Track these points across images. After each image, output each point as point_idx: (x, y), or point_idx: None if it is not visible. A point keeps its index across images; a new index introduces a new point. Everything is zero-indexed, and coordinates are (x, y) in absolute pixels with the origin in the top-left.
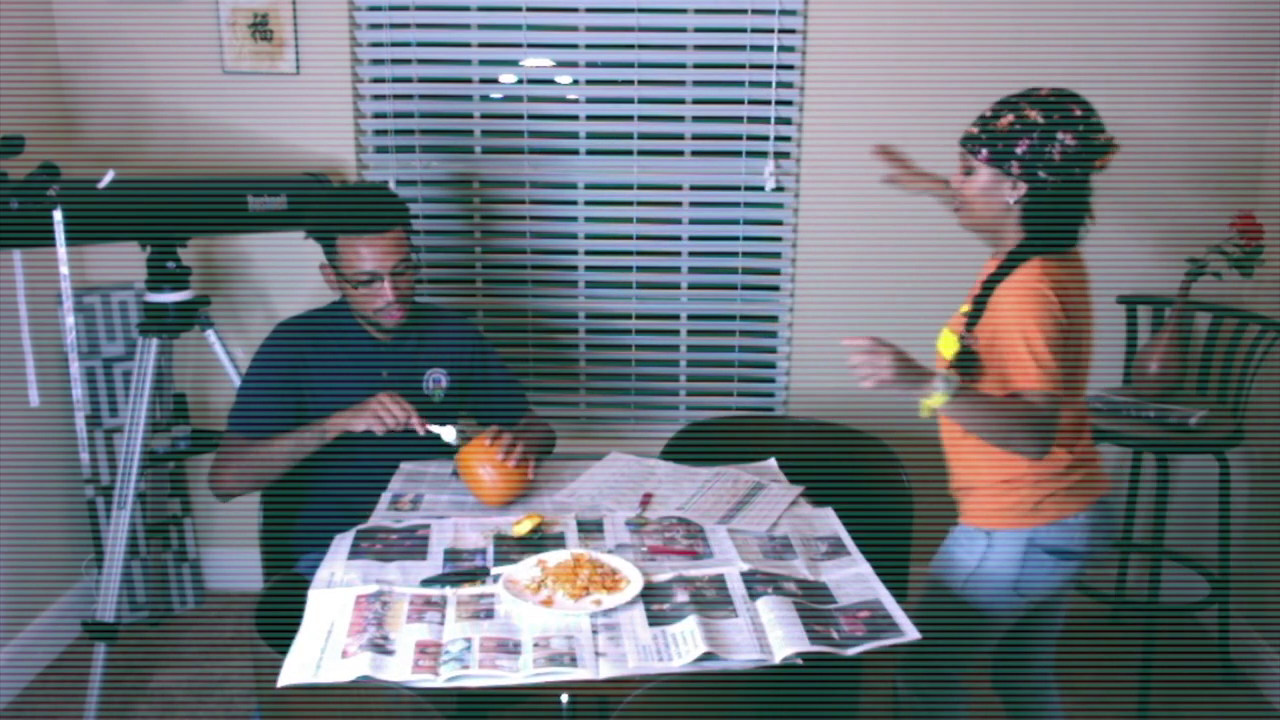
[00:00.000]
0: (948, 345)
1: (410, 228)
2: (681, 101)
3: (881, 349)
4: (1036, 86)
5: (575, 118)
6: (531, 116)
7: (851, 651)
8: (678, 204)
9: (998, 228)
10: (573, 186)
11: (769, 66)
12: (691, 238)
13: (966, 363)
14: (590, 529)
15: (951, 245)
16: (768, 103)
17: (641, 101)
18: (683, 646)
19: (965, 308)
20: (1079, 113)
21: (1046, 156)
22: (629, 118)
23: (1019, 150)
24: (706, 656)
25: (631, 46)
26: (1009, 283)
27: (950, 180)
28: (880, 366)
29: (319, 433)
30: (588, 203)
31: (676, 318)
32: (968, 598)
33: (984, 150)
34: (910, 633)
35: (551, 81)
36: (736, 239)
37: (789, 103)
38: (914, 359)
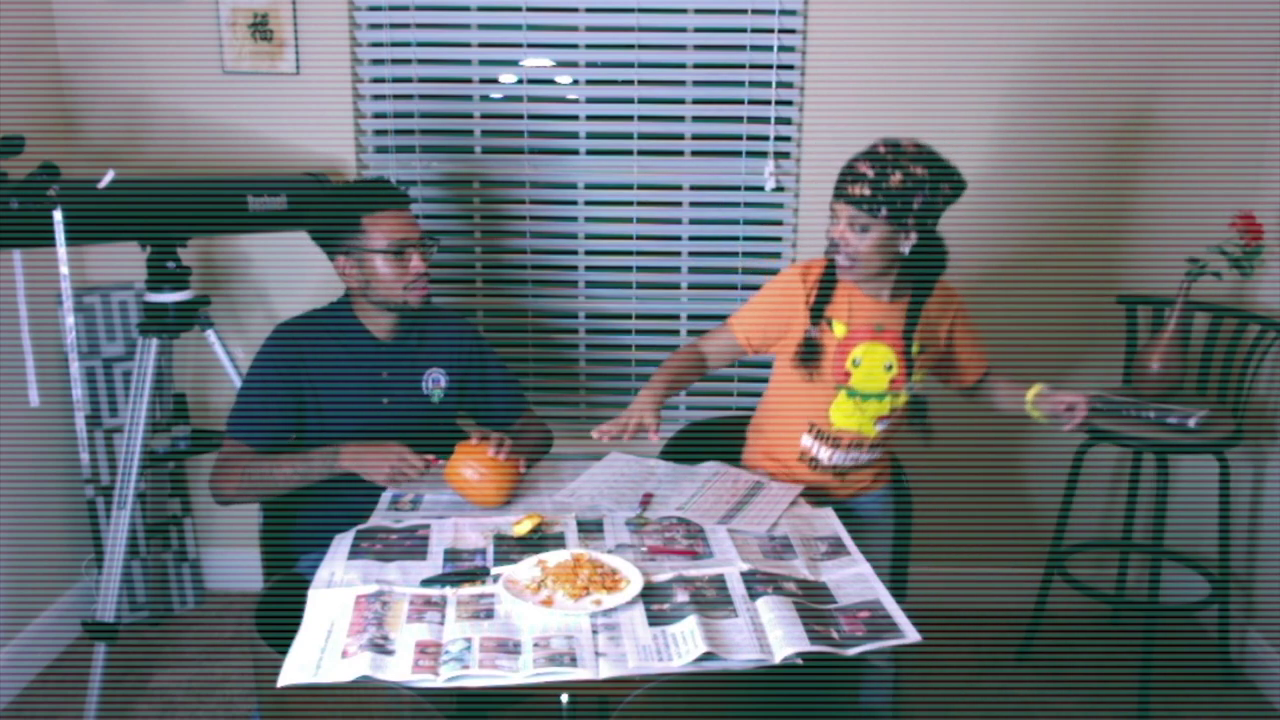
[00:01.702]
0: (918, 381)
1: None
2: (681, 101)
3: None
4: (893, 139)
5: (575, 118)
6: (531, 116)
7: (852, 651)
8: (678, 204)
9: (886, 272)
10: (573, 186)
11: (769, 66)
12: (691, 238)
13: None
14: (590, 529)
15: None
16: (768, 103)
17: (641, 101)
18: (683, 646)
19: (915, 347)
20: (945, 161)
21: (937, 208)
22: (629, 118)
23: (915, 205)
24: (706, 656)
25: (631, 46)
26: (939, 308)
27: (833, 234)
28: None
29: (328, 463)
30: (588, 203)
31: (676, 318)
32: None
33: (884, 209)
34: (910, 634)
35: (551, 81)
36: (736, 239)
37: (789, 103)
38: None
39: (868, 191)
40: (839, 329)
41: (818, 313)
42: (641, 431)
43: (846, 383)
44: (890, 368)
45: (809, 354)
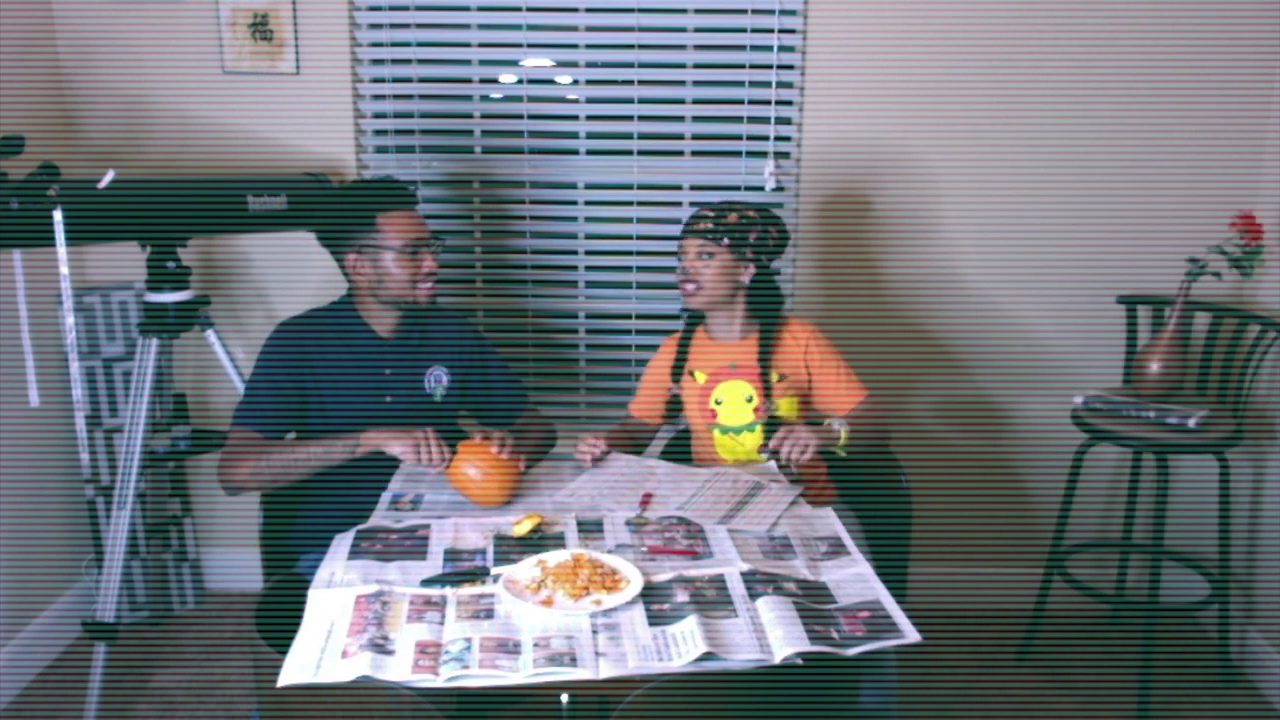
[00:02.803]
0: (787, 408)
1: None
2: (681, 101)
3: (799, 440)
4: (733, 200)
5: (575, 118)
6: (531, 116)
7: (852, 652)
8: (678, 204)
9: (726, 303)
10: (573, 186)
11: (769, 66)
12: None
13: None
14: (590, 529)
15: (950, 245)
16: (768, 103)
17: (641, 101)
18: (683, 646)
19: (774, 375)
20: (776, 215)
21: (770, 246)
22: (629, 118)
23: (751, 239)
24: (707, 656)
25: (631, 46)
26: (793, 341)
27: (684, 266)
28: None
29: (349, 446)
30: (588, 203)
31: (676, 318)
32: None
33: (725, 239)
34: (910, 634)
35: (551, 81)
36: None
37: (789, 103)
38: (821, 430)
39: (710, 225)
40: (700, 377)
41: (678, 370)
42: (591, 449)
43: (715, 421)
44: (750, 399)
45: (671, 409)
